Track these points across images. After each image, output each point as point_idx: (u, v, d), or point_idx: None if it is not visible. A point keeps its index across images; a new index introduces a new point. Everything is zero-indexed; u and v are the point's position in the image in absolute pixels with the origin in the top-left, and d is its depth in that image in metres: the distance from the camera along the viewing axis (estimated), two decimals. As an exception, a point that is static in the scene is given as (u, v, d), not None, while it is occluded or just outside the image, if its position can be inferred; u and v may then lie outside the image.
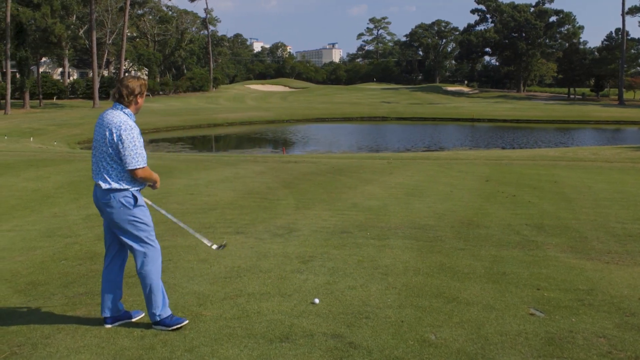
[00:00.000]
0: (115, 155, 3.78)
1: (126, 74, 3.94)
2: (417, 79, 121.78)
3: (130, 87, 3.87)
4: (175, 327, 3.87)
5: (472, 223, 7.45)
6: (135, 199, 3.86)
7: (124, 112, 3.87)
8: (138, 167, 3.79)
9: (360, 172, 13.76)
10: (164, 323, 3.88)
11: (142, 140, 3.86)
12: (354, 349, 3.54)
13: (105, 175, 3.80)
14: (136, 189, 3.89)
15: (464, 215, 7.99)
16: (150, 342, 3.65)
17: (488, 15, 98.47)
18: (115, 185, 3.79)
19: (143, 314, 4.14)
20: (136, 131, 3.82)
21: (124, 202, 3.81)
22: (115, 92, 3.90)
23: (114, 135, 3.74)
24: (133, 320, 4.07)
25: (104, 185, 3.80)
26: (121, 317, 4.02)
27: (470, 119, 55.39)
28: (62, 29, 46.94)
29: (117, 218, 3.83)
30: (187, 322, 3.94)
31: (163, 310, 3.91)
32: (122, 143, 3.73)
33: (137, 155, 3.78)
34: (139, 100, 3.96)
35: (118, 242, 4.00)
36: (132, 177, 3.83)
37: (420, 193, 10.30)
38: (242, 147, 32.52)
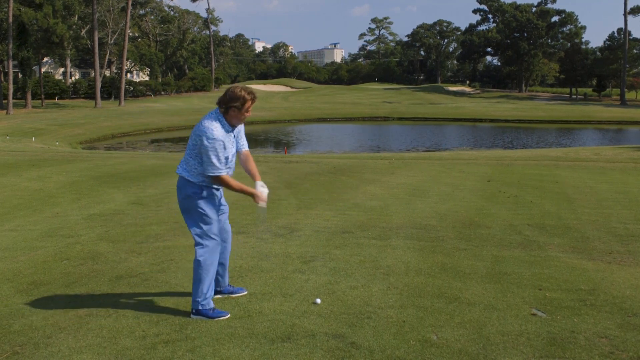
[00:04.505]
0: (194, 152, 4.03)
1: (234, 85, 4.22)
2: (418, 79, 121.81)
3: (227, 94, 3.99)
4: (217, 318, 4.02)
5: (474, 223, 7.45)
6: (201, 189, 4.08)
7: (218, 119, 4.02)
8: (212, 174, 4.02)
9: (362, 172, 13.76)
10: (205, 313, 4.04)
11: (224, 151, 4.00)
12: (355, 349, 3.54)
13: (184, 165, 4.10)
14: (207, 185, 4.09)
15: (466, 216, 7.99)
16: (152, 342, 3.65)
17: (490, 15, 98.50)
18: (187, 175, 4.07)
19: (246, 292, 4.56)
20: (218, 142, 3.93)
21: (189, 192, 4.07)
22: (221, 98, 4.06)
23: (198, 138, 3.97)
24: (234, 296, 4.47)
25: (179, 169, 4.12)
26: (222, 291, 4.46)
27: (472, 119, 55.38)
28: (64, 29, 46.97)
29: (183, 205, 4.12)
30: (229, 315, 4.09)
31: (205, 302, 4.07)
32: (204, 149, 3.95)
33: (211, 164, 3.97)
34: (233, 112, 4.00)
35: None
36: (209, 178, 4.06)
37: (422, 193, 10.29)
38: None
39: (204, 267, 4.06)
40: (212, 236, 4.11)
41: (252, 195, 4.23)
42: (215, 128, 3.95)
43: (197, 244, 4.10)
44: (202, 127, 3.96)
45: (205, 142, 3.92)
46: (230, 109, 4.00)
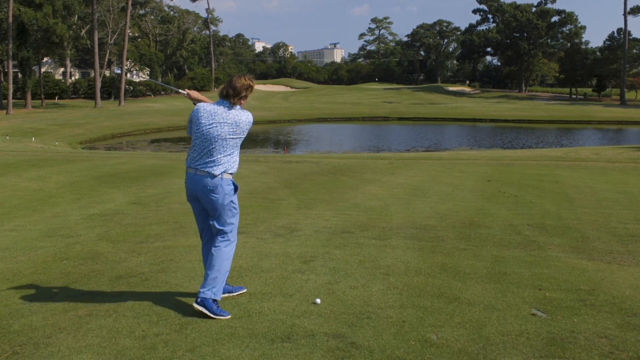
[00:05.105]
0: (239, 144, 4.27)
1: (236, 74, 4.55)
2: (418, 79, 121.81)
3: (236, 86, 4.19)
4: (218, 317, 4.01)
5: (474, 223, 7.45)
6: (236, 186, 4.28)
7: (239, 108, 4.24)
8: None
9: (362, 172, 13.76)
10: (209, 306, 4.04)
11: None
12: (355, 349, 3.54)
13: (220, 166, 4.17)
14: (235, 173, 4.30)
15: (466, 216, 7.99)
16: (152, 342, 3.65)
17: (490, 15, 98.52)
18: (225, 172, 4.18)
19: (245, 290, 4.60)
20: None
21: (226, 189, 4.20)
22: (223, 90, 4.24)
23: (241, 131, 4.23)
24: (233, 294, 4.48)
25: (217, 172, 4.15)
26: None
27: (472, 119, 55.40)
28: (63, 29, 46.96)
29: (219, 203, 4.20)
30: (230, 316, 4.08)
31: (218, 294, 4.11)
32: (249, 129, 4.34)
33: None
34: (243, 100, 4.28)
35: None
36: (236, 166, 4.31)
37: (422, 193, 10.29)
38: (244, 147, 32.44)
39: (228, 258, 4.21)
40: (236, 230, 4.36)
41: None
42: (248, 114, 4.28)
43: (225, 236, 4.26)
44: (244, 122, 4.21)
45: (250, 124, 4.30)
46: (242, 98, 4.23)
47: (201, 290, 4.08)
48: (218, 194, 4.16)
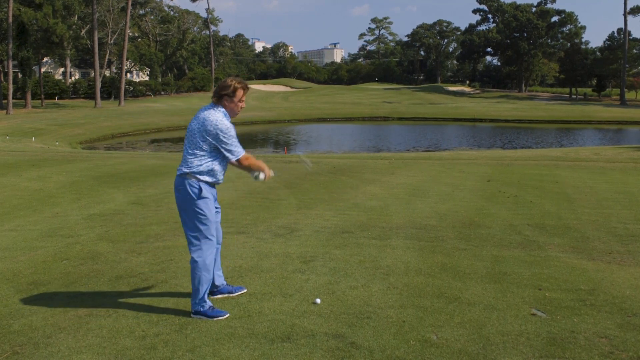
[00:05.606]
0: (203, 146, 4.03)
1: (229, 76, 4.53)
2: (418, 79, 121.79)
3: (220, 85, 4.14)
4: (216, 318, 4.03)
5: (474, 223, 7.45)
6: (200, 190, 4.05)
7: (219, 110, 4.11)
8: (240, 155, 4.15)
9: (362, 172, 13.76)
10: (204, 313, 4.07)
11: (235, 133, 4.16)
12: (355, 349, 3.54)
13: (185, 165, 4.08)
14: (208, 181, 4.10)
15: (466, 216, 7.99)
16: (152, 342, 3.66)
17: (490, 15, 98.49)
18: (188, 172, 4.04)
19: (245, 290, 4.59)
20: (231, 128, 4.10)
21: (189, 190, 4.04)
22: (214, 90, 4.20)
23: (206, 133, 4.01)
24: (233, 295, 4.48)
25: (181, 170, 4.09)
26: (221, 291, 4.47)
27: (472, 119, 55.39)
28: (63, 29, 46.98)
29: (182, 204, 4.10)
30: (228, 314, 4.09)
31: (203, 303, 4.11)
32: (222, 139, 4.03)
33: (234, 149, 4.10)
34: (226, 102, 4.13)
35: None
36: (218, 169, 4.10)
37: (422, 193, 10.29)
38: (244, 147, 32.43)
39: (203, 268, 4.08)
40: (209, 237, 4.12)
41: (264, 169, 4.33)
42: (221, 117, 4.06)
43: (193, 245, 4.10)
44: (209, 120, 4.02)
45: (221, 133, 4.01)
46: (222, 98, 4.13)
47: (192, 303, 4.12)
48: (180, 193, 4.09)
